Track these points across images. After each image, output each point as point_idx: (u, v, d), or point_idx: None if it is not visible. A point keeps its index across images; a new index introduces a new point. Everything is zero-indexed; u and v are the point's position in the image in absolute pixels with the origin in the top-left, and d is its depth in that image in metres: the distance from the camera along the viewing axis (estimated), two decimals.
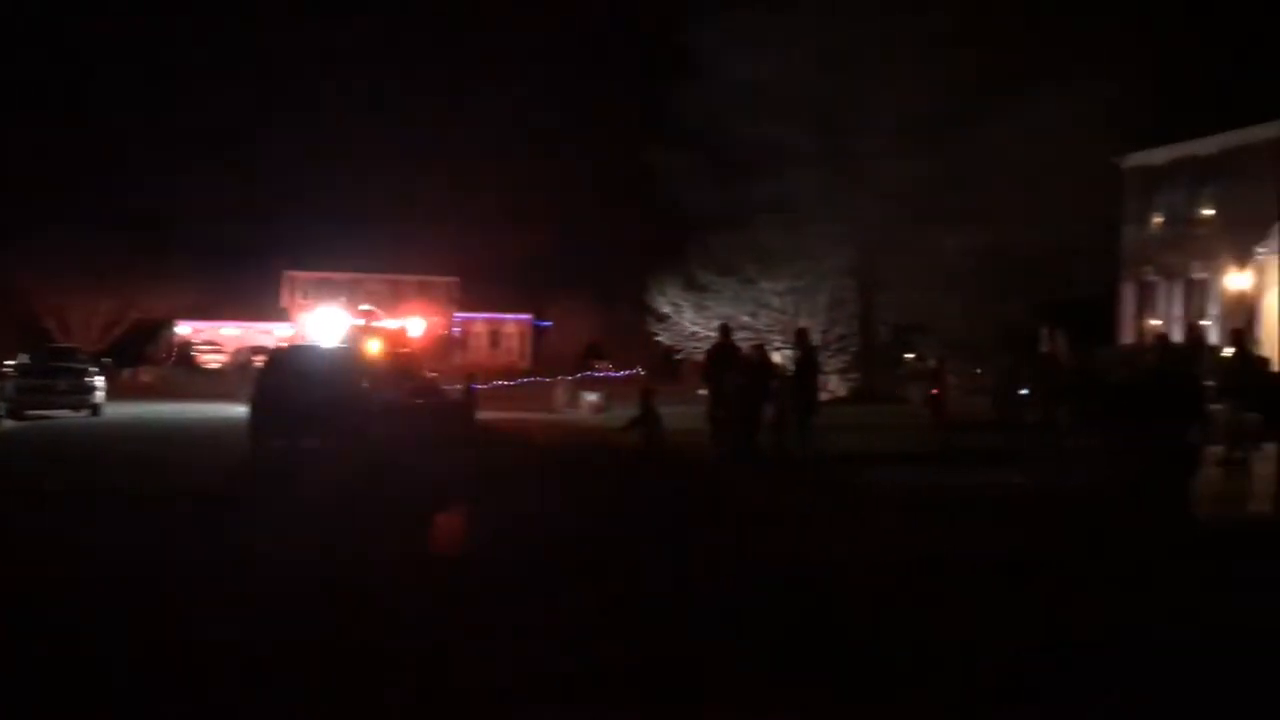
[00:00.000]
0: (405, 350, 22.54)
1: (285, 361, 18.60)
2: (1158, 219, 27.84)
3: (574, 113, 62.05)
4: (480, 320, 71.30)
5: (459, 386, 21.79)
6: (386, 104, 65.94)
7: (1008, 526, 10.08)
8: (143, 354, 54.45)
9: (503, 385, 47.17)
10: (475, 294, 70.22)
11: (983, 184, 25.16)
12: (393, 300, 69.11)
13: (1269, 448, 13.79)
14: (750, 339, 24.42)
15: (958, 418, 15.69)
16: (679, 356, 33.93)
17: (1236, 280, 25.34)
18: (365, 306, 30.44)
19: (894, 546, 9.24)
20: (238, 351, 51.26)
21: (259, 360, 19.98)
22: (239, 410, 18.57)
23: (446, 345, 62.43)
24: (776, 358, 25.60)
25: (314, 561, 8.47)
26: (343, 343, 21.87)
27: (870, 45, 25.47)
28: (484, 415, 23.72)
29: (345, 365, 18.17)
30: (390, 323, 38.49)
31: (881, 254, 27.66)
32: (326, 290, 63.74)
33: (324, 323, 25.17)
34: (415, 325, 29.93)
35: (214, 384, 39.05)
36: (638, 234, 44.66)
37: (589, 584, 7.71)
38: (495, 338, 71.37)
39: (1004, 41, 24.44)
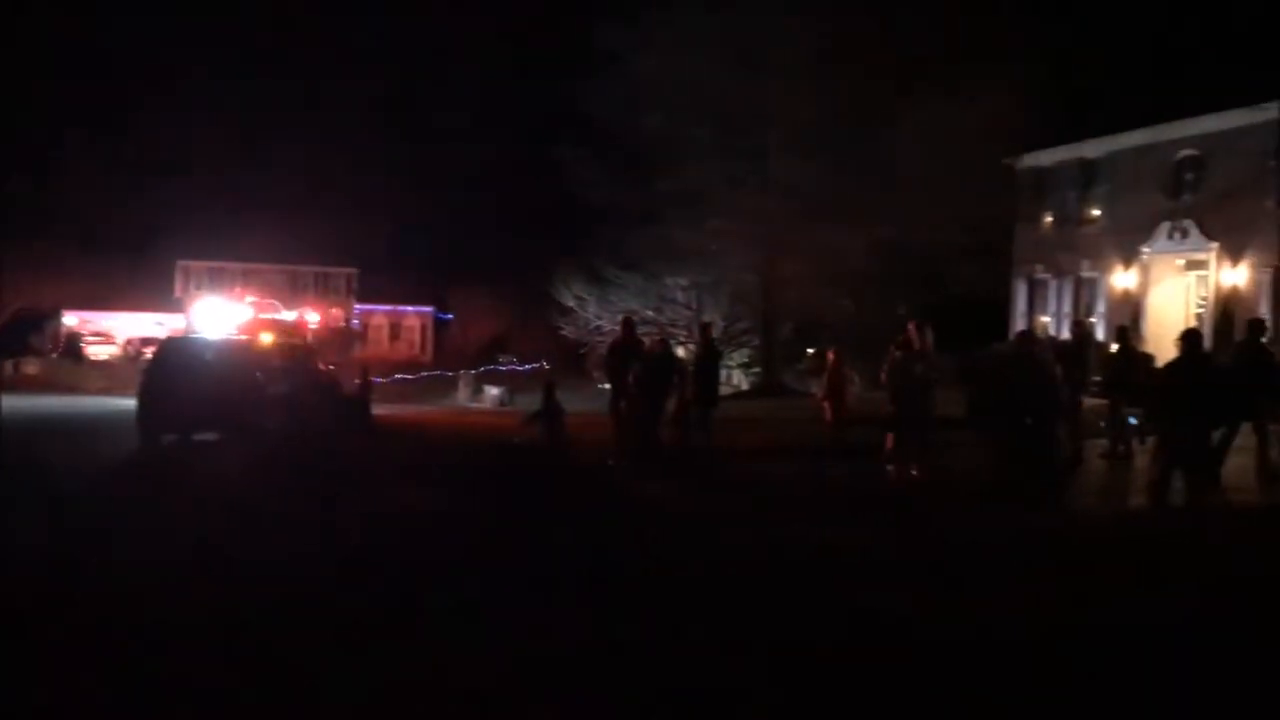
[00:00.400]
0: (300, 342, 22.00)
1: (175, 352, 17.99)
2: (1048, 219, 28.63)
3: (479, 104, 61.38)
4: (380, 312, 70.19)
5: (355, 379, 21.41)
6: (287, 91, 64.32)
7: (876, 517, 10.46)
8: (27, 345, 52.37)
9: (404, 379, 46.54)
10: (375, 286, 69.09)
11: (881, 183, 25.58)
12: (290, 291, 67.68)
13: (1152, 442, 14.29)
14: (655, 333, 24.50)
15: (856, 412, 15.89)
16: (583, 350, 33.91)
17: (1123, 279, 26.20)
18: (251, 298, 29.68)
19: (764, 536, 9.50)
20: (128, 343, 49.90)
21: (150, 352, 19.31)
22: (128, 403, 17.97)
23: (345, 338, 61.29)
24: (680, 352, 25.78)
25: (164, 560, 8.24)
26: (235, 334, 21.26)
27: (773, 44, 25.69)
28: (384, 409, 23.36)
29: (237, 357, 17.66)
30: (286, 314, 37.59)
31: (783, 251, 27.96)
32: (221, 280, 62.10)
33: (214, 313, 24.46)
34: (310, 316, 29.30)
35: (103, 376, 37.82)
36: (543, 228, 44.41)
37: (454, 580, 7.69)
38: (396, 330, 70.35)
39: (903, 43, 24.87)
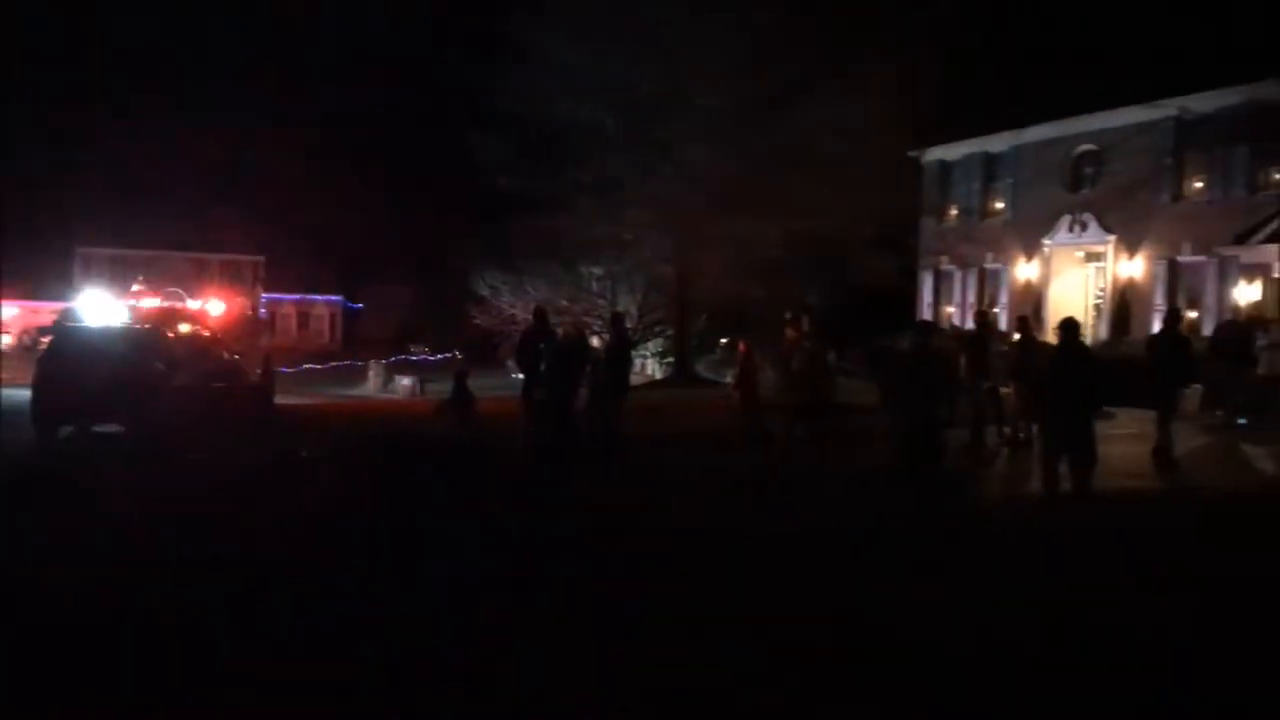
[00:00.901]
0: (203, 331, 21.46)
1: (71, 341, 17.38)
2: (953, 211, 29.26)
3: (390, 92, 60.46)
4: (289, 301, 68.92)
5: (258, 369, 20.98)
6: (194, 77, 62.70)
7: (769, 501, 10.63)
8: None
9: (312, 369, 45.76)
10: (284, 274, 67.82)
11: (790, 174, 25.83)
12: (196, 280, 65.86)
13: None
14: (569, 322, 24.42)
15: (767, 401, 16.06)
16: (497, 340, 33.68)
17: (1025, 270, 26.89)
18: (137, 286, 28.88)
19: (660, 520, 9.66)
20: (24, 332, 48.23)
21: (46, 341, 18.69)
22: (23, 394, 17.36)
23: (253, 327, 59.98)
24: (595, 341, 25.74)
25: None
26: (134, 322, 20.64)
27: (682, 33, 25.75)
28: (292, 399, 22.92)
29: (136, 345, 17.13)
30: (192, 303, 36.64)
31: (696, 240, 28.08)
32: (124, 268, 60.32)
33: (110, 302, 23.71)
34: (215, 306, 28.59)
35: None
36: (457, 217, 43.95)
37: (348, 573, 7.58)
38: (305, 319, 69.14)
39: (811, 34, 25.11)
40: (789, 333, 13.95)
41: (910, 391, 9.86)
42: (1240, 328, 16.68)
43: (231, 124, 56.51)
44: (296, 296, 68.96)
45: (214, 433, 14.30)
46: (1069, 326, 9.79)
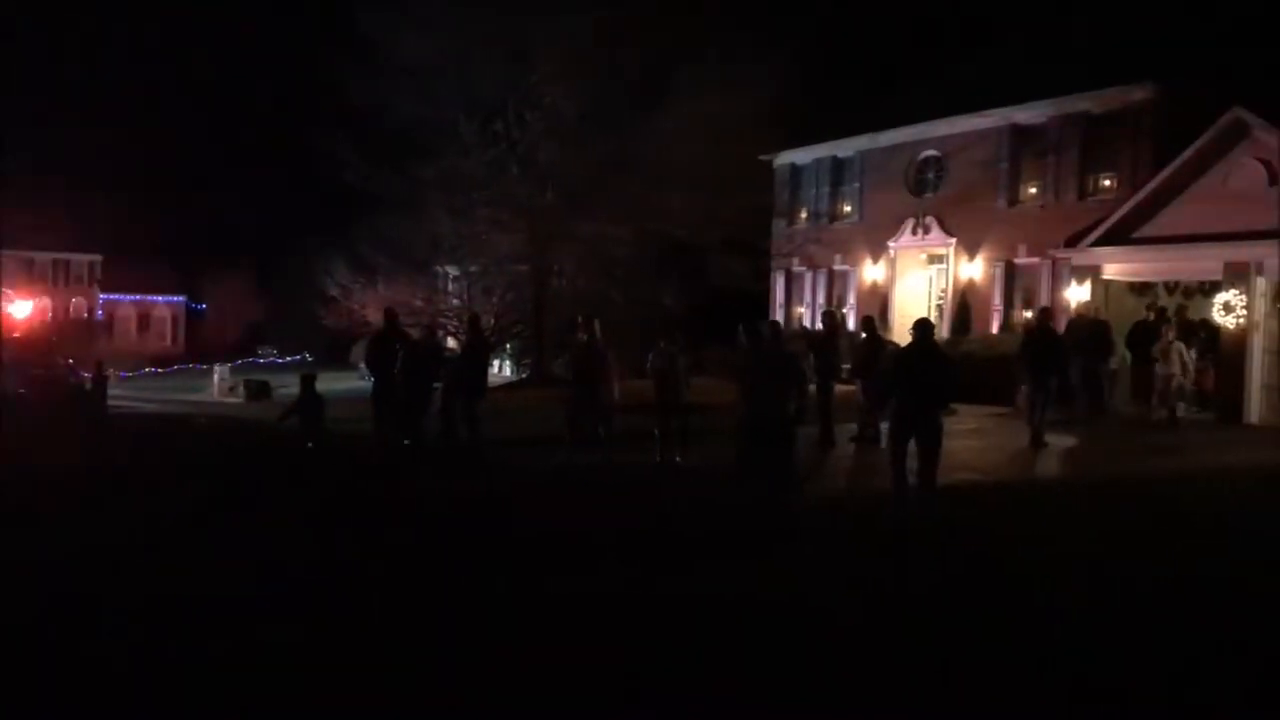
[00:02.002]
0: (17, 335, 20.35)
1: None
2: (803, 214, 29.89)
3: (235, 87, 58.56)
4: (127, 302, 65.98)
5: (86, 374, 20.03)
6: (26, 64, 59.46)
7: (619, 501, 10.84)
8: None
9: (152, 372, 43.88)
10: (122, 274, 64.87)
11: (643, 175, 25.95)
12: (26, 280, 62.42)
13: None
14: (424, 323, 23.97)
15: (624, 401, 16.08)
16: (348, 341, 32.88)
17: (872, 271, 27.68)
18: None
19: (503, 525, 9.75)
20: None
21: None
22: None
23: (87, 329, 57.22)
24: (450, 343, 25.35)
25: None
26: None
27: (534, 31, 25.61)
28: (129, 404, 21.93)
29: None
30: (21, 304, 34.65)
31: (551, 241, 27.96)
32: None
33: None
34: (20, 307, 27.19)
35: None
36: (304, 215, 42.76)
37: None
38: (145, 321, 66.30)
39: (663, 36, 25.28)
40: (579, 335, 14.17)
41: (756, 389, 10.04)
42: (1091, 323, 17.50)
43: (64, 115, 53.79)
44: (136, 297, 66.08)
45: (31, 439, 13.52)
46: (923, 326, 10.13)
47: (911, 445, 9.72)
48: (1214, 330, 17.98)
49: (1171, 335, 16.91)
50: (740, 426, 10.15)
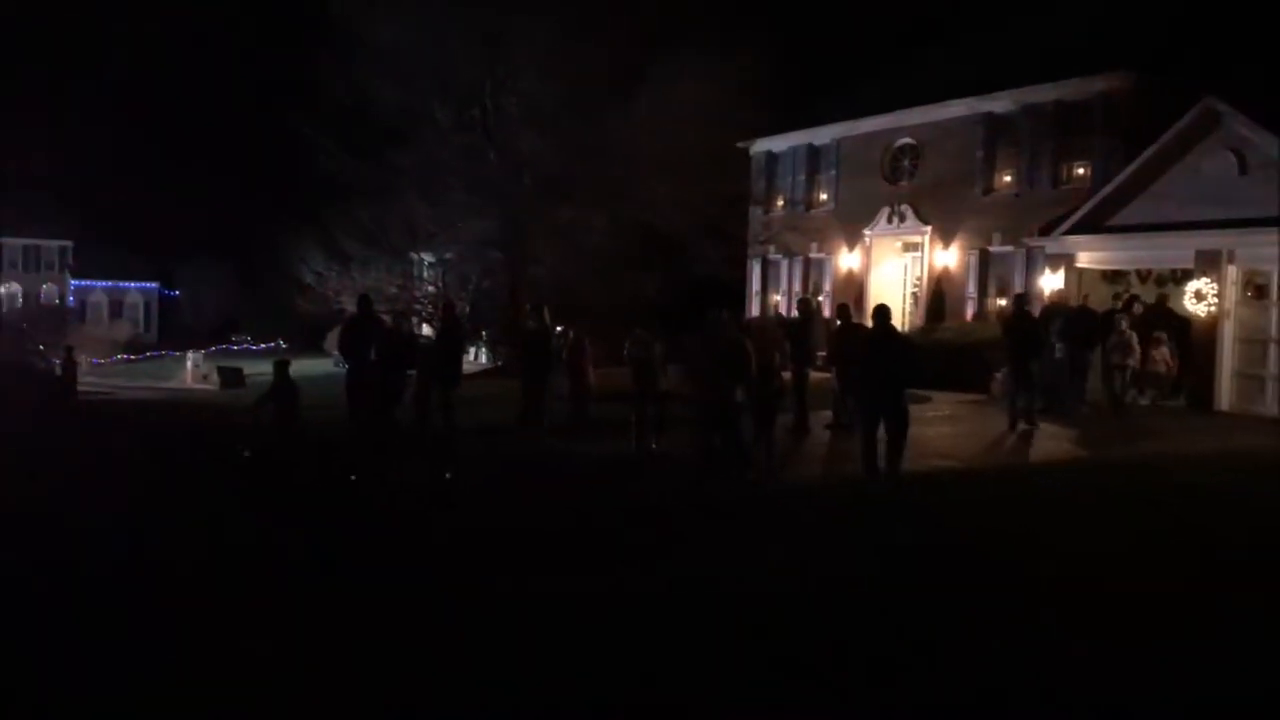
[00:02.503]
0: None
1: None
2: (780, 202, 29.90)
3: (210, 71, 57.98)
4: (100, 289, 65.36)
5: (56, 361, 19.87)
6: None
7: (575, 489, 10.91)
8: None
9: (125, 359, 43.51)
10: (95, 260, 64.26)
11: (620, 162, 25.90)
12: None
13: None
14: (399, 310, 23.86)
15: (599, 388, 16.06)
16: (326, 328, 32.72)
17: (848, 259, 27.72)
18: None
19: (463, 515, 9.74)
20: None
21: None
22: None
23: (59, 316, 56.66)
24: (426, 330, 25.27)
25: None
26: None
27: (510, 17, 25.48)
28: (100, 392, 21.72)
29: None
30: None
31: (528, 227, 27.88)
32: None
33: None
34: None
35: None
36: (279, 201, 42.41)
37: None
38: (118, 307, 65.69)
39: (642, 23, 25.21)
40: (529, 324, 14.28)
41: (704, 375, 10.34)
42: (1080, 311, 17.53)
43: (38, 101, 53.17)
44: (108, 283, 65.48)
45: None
46: (881, 311, 10.35)
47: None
48: (1182, 320, 18.08)
49: (1125, 325, 17.01)
50: (695, 412, 10.41)
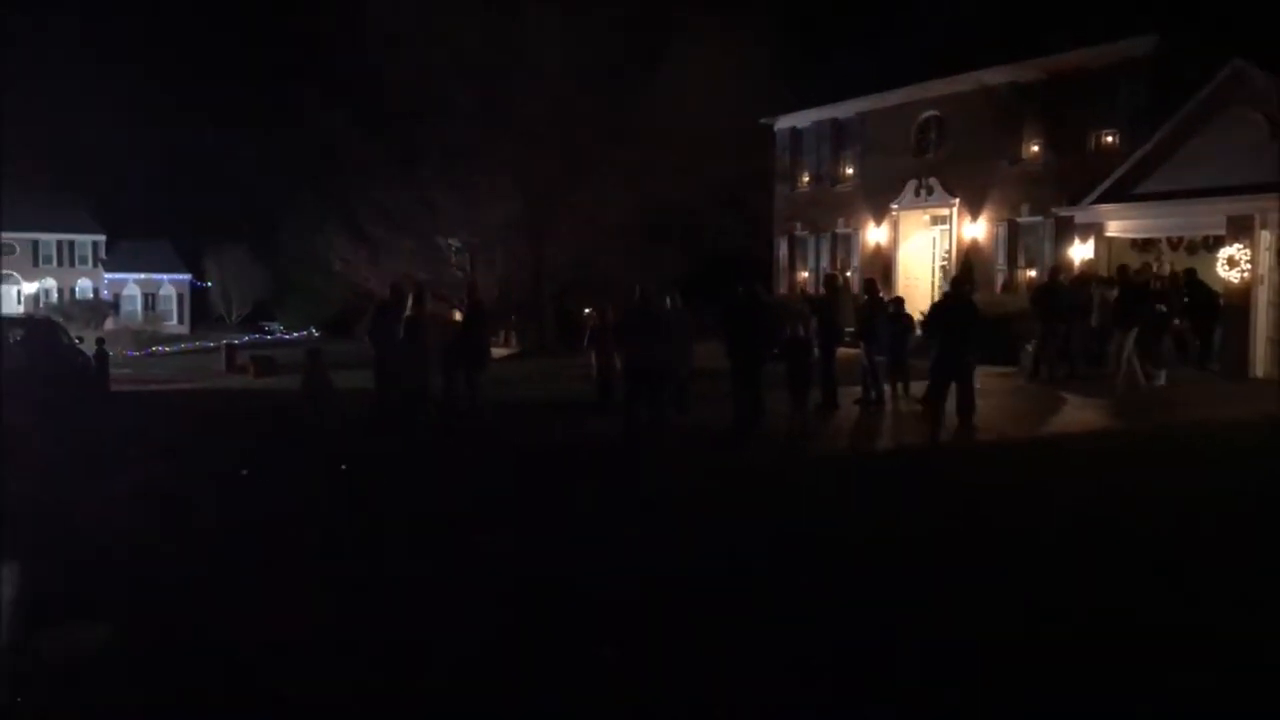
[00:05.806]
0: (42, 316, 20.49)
1: None
2: (805, 178, 29.76)
3: (235, 60, 58.34)
4: (133, 281, 66.10)
5: (89, 352, 20.17)
6: (26, 44, 59.24)
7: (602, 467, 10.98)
8: None
9: (160, 351, 44.01)
10: (127, 253, 65.01)
11: (642, 140, 25.84)
12: (31, 262, 62.67)
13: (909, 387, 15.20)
14: (393, 283, 23.91)
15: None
16: (356, 315, 32.92)
17: (875, 234, 27.58)
18: None
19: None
20: None
21: None
22: None
23: (95, 309, 57.39)
24: (456, 314, 25.28)
25: None
26: None
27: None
28: (134, 384, 21.99)
29: None
30: (28, 286, 34.76)
31: (548, 209, 27.90)
32: None
33: None
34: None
35: None
36: (305, 189, 42.62)
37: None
38: (151, 300, 66.44)
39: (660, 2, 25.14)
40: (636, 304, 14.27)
41: (646, 341, 11.66)
42: (1141, 282, 17.29)
43: (65, 96, 53.74)
44: (141, 275, 66.22)
45: (40, 416, 13.60)
46: (957, 283, 12.82)
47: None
48: (1205, 291, 17.87)
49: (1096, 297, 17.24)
50: (626, 370, 12.05)
